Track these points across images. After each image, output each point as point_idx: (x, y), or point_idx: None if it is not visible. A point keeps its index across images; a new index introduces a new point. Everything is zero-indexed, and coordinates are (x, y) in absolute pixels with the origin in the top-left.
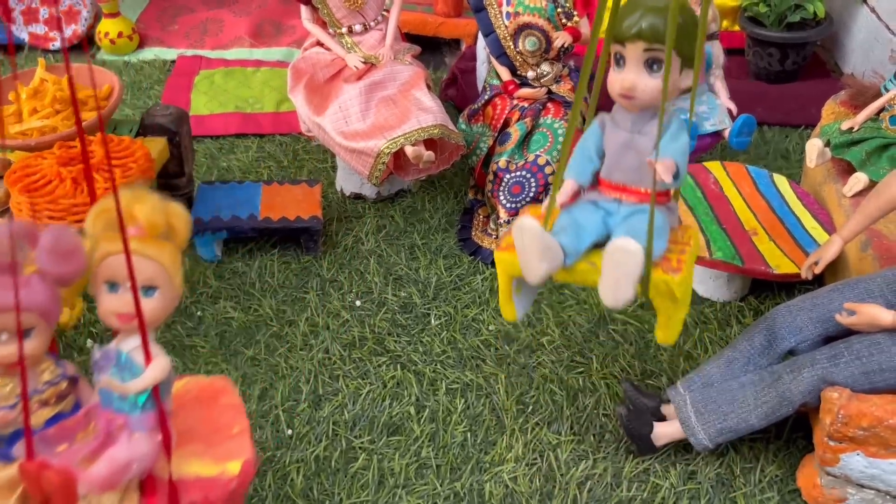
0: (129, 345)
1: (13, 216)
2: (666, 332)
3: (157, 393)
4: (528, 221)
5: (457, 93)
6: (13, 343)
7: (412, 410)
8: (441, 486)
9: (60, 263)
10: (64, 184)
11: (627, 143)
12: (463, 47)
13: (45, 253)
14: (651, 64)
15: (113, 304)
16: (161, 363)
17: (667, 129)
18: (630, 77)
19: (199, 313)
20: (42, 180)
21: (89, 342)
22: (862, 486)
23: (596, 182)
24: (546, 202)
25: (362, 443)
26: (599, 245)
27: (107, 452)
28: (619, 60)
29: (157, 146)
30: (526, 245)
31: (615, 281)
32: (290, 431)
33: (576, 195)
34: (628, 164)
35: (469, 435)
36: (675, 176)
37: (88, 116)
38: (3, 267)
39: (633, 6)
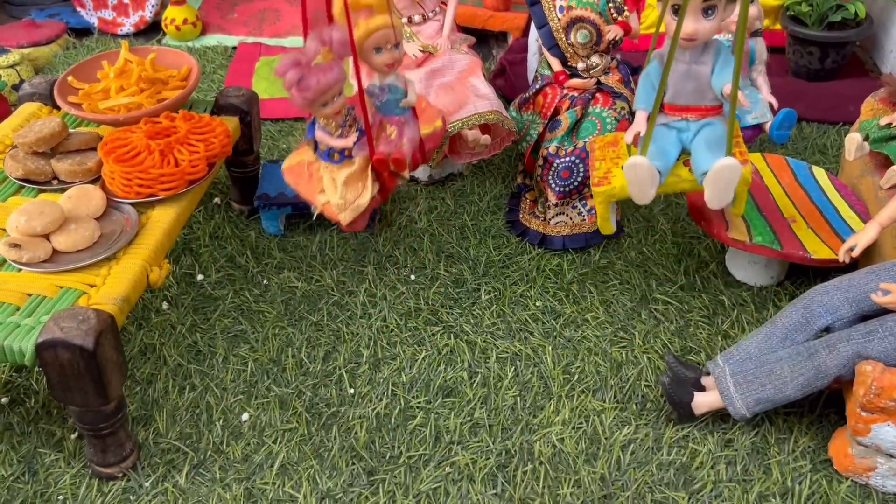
0: (389, 80)
1: (105, 184)
2: (740, 206)
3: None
4: (639, 160)
5: (505, 83)
6: (338, 100)
7: (465, 375)
8: (493, 443)
9: (344, 49)
10: (152, 155)
11: (687, 73)
12: (510, 40)
13: (337, 43)
14: (706, 10)
15: (383, 59)
16: (413, 83)
17: (718, 57)
18: (691, 24)
19: (265, 281)
20: (132, 151)
21: (165, 304)
22: (891, 455)
23: (660, 108)
24: (630, 134)
25: (419, 403)
26: (678, 158)
27: (405, 136)
28: (676, 10)
29: (231, 124)
30: (640, 177)
31: (721, 190)
32: (352, 390)
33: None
34: (690, 89)
35: (519, 399)
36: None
37: (170, 95)
38: (311, 64)
39: None
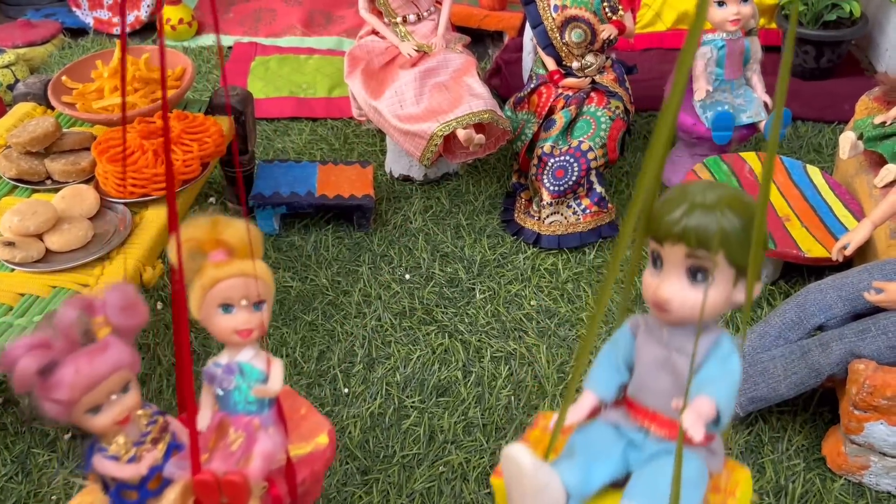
0: (245, 356)
1: (98, 184)
2: None
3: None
4: (516, 451)
5: (500, 83)
6: (122, 400)
7: (459, 375)
8: (487, 442)
9: (130, 316)
10: (146, 155)
11: (663, 362)
12: (506, 39)
13: (116, 310)
14: (694, 272)
15: (232, 323)
16: (280, 365)
17: (713, 353)
18: (668, 287)
19: None
20: (126, 151)
21: (159, 305)
22: (884, 454)
23: (621, 398)
24: (554, 420)
25: (413, 402)
26: (616, 484)
27: (256, 449)
28: (657, 261)
29: (225, 124)
30: (513, 479)
31: None
32: (346, 390)
33: (595, 411)
34: (662, 387)
35: (513, 398)
36: (717, 421)
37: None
38: (77, 342)
39: (678, 197)
